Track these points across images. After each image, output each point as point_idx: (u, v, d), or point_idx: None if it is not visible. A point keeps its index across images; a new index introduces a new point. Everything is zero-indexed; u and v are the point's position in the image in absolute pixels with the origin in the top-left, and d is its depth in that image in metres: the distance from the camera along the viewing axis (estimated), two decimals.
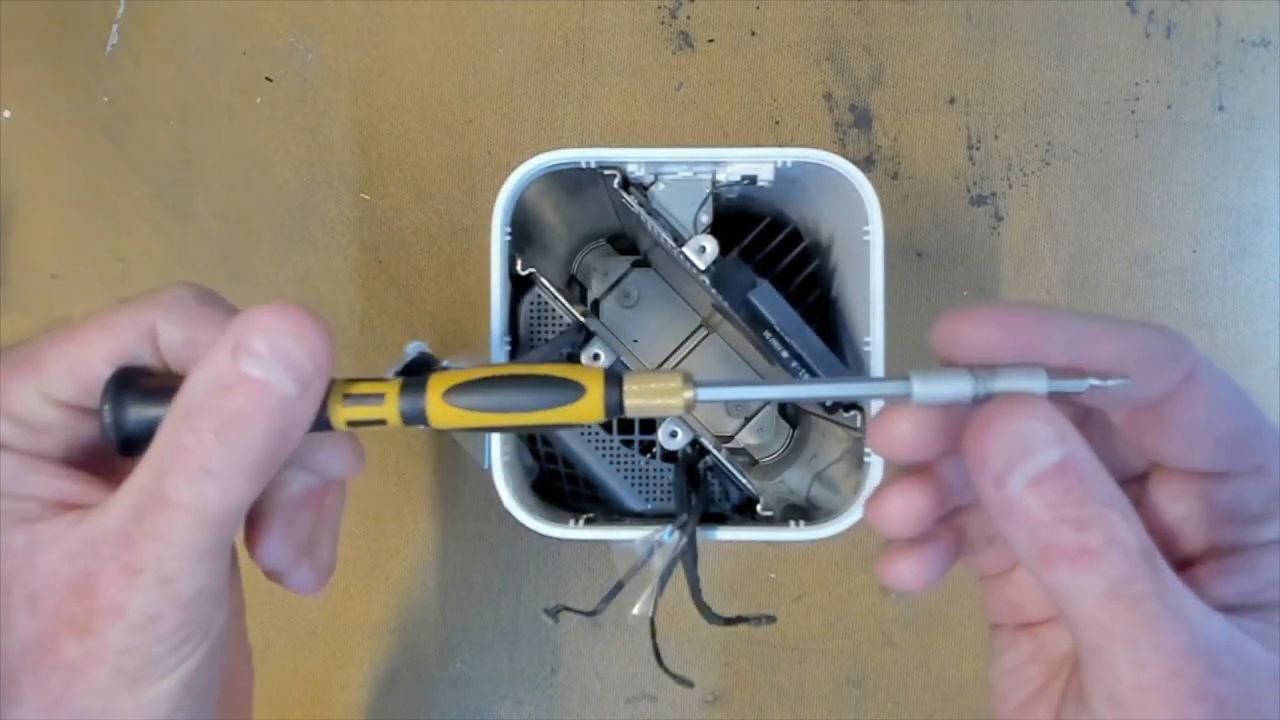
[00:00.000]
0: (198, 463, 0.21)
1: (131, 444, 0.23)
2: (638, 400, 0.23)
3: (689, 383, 0.23)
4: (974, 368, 0.22)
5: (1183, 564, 0.23)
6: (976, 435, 0.21)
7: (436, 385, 0.23)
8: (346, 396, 0.23)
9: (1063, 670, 0.24)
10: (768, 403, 0.47)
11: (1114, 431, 0.24)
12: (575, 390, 0.22)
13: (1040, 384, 0.21)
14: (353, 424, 0.23)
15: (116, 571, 0.21)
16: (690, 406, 0.23)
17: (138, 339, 0.24)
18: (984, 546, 0.25)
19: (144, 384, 0.23)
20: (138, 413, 0.22)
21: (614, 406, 0.23)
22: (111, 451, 0.24)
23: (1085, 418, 0.24)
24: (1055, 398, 0.21)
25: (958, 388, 0.22)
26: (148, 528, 0.21)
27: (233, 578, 0.27)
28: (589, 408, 0.22)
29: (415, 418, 0.23)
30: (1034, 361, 0.21)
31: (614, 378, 0.23)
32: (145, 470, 0.22)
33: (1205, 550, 0.23)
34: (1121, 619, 0.19)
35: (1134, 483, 0.24)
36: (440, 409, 0.22)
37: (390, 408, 0.23)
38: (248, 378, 0.21)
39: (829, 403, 0.40)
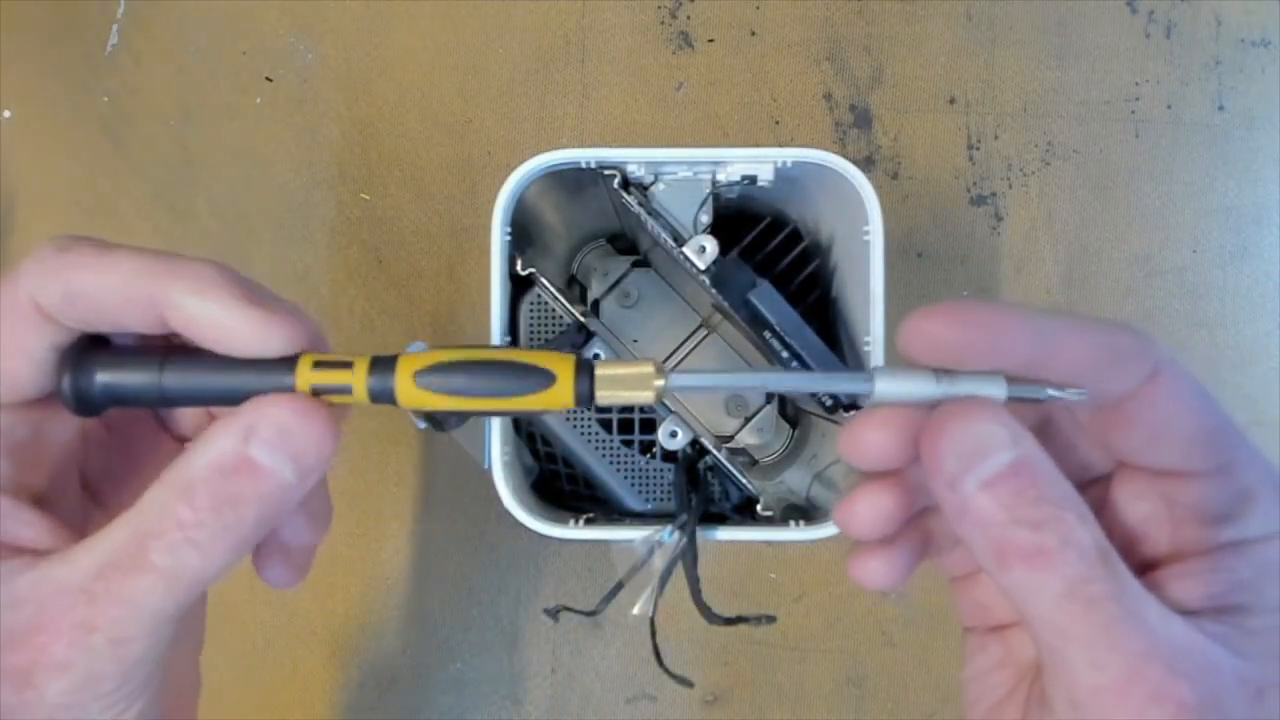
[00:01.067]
0: (186, 534, 0.21)
1: (88, 406, 0.23)
2: (608, 390, 0.23)
3: (660, 371, 0.23)
4: (937, 370, 0.22)
5: (1147, 566, 0.22)
6: (931, 438, 0.21)
7: (407, 365, 0.23)
8: (316, 363, 0.23)
9: (1030, 674, 0.24)
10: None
11: (1080, 432, 0.24)
12: (545, 377, 0.23)
13: (999, 390, 0.21)
14: (317, 390, 0.23)
15: (67, 627, 0.21)
16: (660, 396, 0.23)
17: (21, 318, 0.23)
18: (951, 547, 0.25)
19: (97, 353, 0.23)
20: (99, 377, 0.23)
21: (584, 395, 0.23)
22: (54, 467, 0.24)
23: (1051, 417, 0.24)
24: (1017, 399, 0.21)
25: (919, 387, 0.22)
26: (113, 587, 0.21)
27: (197, 614, 0.27)
28: (559, 395, 0.23)
29: (383, 394, 0.23)
30: (996, 360, 0.21)
31: (585, 365, 0.23)
32: (123, 529, 0.21)
33: (1169, 552, 0.22)
34: (1078, 620, 0.19)
35: (1099, 484, 0.24)
36: (409, 389, 0.23)
37: (359, 373, 0.23)
38: (254, 463, 0.21)
39: (827, 401, 0.40)
